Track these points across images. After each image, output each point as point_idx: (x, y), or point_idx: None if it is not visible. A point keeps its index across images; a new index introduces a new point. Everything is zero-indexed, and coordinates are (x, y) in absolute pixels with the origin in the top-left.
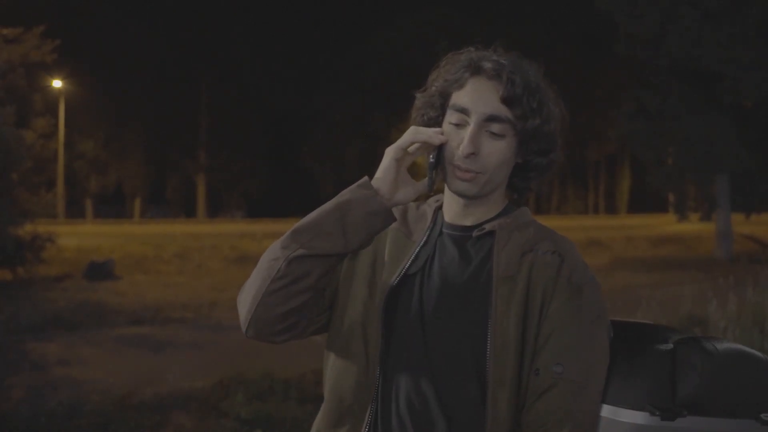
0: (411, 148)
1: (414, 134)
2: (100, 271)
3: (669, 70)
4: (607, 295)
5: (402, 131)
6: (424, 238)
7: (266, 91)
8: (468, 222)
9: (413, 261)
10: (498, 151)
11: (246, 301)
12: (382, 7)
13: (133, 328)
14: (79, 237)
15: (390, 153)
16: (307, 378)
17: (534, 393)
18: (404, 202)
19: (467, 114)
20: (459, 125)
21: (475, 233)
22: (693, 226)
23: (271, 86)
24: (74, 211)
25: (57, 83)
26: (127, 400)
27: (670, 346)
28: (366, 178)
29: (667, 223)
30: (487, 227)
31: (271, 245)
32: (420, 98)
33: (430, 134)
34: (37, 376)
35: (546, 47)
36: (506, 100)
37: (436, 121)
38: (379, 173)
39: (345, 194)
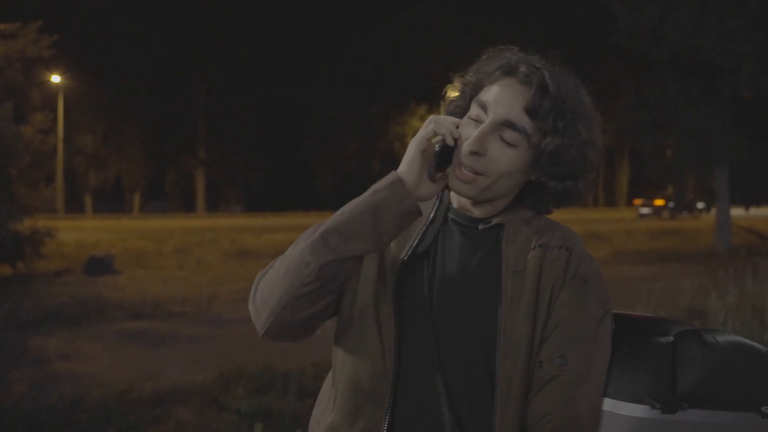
0: (434, 140)
1: (437, 125)
2: (99, 265)
3: (668, 62)
4: (607, 288)
5: (400, 124)
6: (431, 216)
7: (265, 86)
8: (475, 213)
9: (421, 240)
10: (506, 158)
11: (268, 303)
12: (381, 0)
13: (133, 322)
14: (78, 232)
15: (414, 144)
16: (307, 372)
17: (537, 384)
18: (429, 197)
19: (485, 111)
20: (476, 121)
21: (481, 227)
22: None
23: (269, 80)
24: (73, 206)
25: (55, 78)
26: (127, 395)
27: (671, 338)
28: (397, 175)
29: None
30: (494, 221)
31: (297, 247)
32: (456, 80)
33: (451, 129)
34: (38, 371)
35: (544, 39)
36: (529, 110)
37: (464, 111)
38: (403, 166)
39: (378, 194)
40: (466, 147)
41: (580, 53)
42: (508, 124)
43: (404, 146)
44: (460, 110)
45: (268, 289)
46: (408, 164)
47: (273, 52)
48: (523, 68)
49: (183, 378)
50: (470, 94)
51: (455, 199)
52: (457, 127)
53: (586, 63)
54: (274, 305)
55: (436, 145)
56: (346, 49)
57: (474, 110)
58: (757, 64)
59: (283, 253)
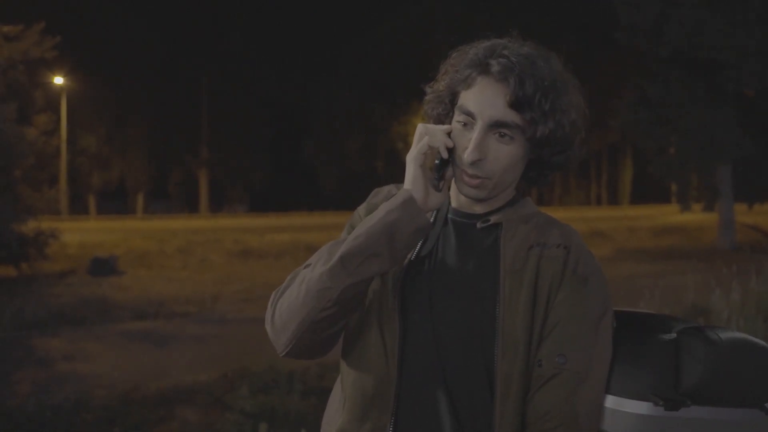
0: (428, 151)
1: (431, 138)
2: (103, 266)
3: (670, 59)
4: (610, 286)
5: (402, 123)
6: (431, 219)
7: (267, 85)
8: (475, 210)
9: (423, 244)
10: (506, 155)
11: (288, 326)
12: None
13: (137, 322)
14: (82, 233)
15: (413, 161)
16: (311, 371)
17: (536, 383)
18: (437, 207)
19: (473, 117)
20: (467, 125)
21: (479, 225)
22: (696, 216)
23: (271, 80)
24: (77, 207)
25: (58, 80)
26: (132, 395)
27: (674, 335)
28: (408, 193)
29: (669, 214)
30: (493, 219)
31: (315, 271)
32: (429, 92)
33: (444, 141)
34: (43, 372)
35: (546, 37)
36: (514, 105)
37: (446, 117)
38: (408, 184)
39: (391, 214)
40: (466, 158)
41: (582, 51)
42: (499, 124)
43: (407, 145)
44: (442, 117)
45: (287, 313)
46: (412, 181)
47: (275, 52)
48: (494, 65)
49: (187, 378)
50: (449, 100)
51: (454, 198)
52: (449, 134)
53: (588, 60)
54: (294, 329)
55: (435, 159)
56: (349, 48)
57: (460, 116)
58: (759, 60)
59: (295, 269)
